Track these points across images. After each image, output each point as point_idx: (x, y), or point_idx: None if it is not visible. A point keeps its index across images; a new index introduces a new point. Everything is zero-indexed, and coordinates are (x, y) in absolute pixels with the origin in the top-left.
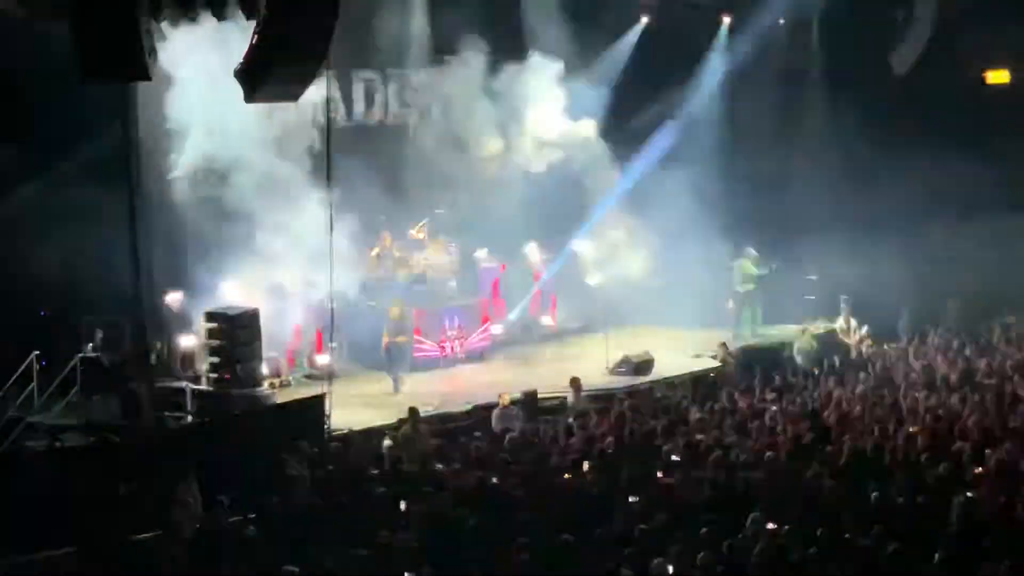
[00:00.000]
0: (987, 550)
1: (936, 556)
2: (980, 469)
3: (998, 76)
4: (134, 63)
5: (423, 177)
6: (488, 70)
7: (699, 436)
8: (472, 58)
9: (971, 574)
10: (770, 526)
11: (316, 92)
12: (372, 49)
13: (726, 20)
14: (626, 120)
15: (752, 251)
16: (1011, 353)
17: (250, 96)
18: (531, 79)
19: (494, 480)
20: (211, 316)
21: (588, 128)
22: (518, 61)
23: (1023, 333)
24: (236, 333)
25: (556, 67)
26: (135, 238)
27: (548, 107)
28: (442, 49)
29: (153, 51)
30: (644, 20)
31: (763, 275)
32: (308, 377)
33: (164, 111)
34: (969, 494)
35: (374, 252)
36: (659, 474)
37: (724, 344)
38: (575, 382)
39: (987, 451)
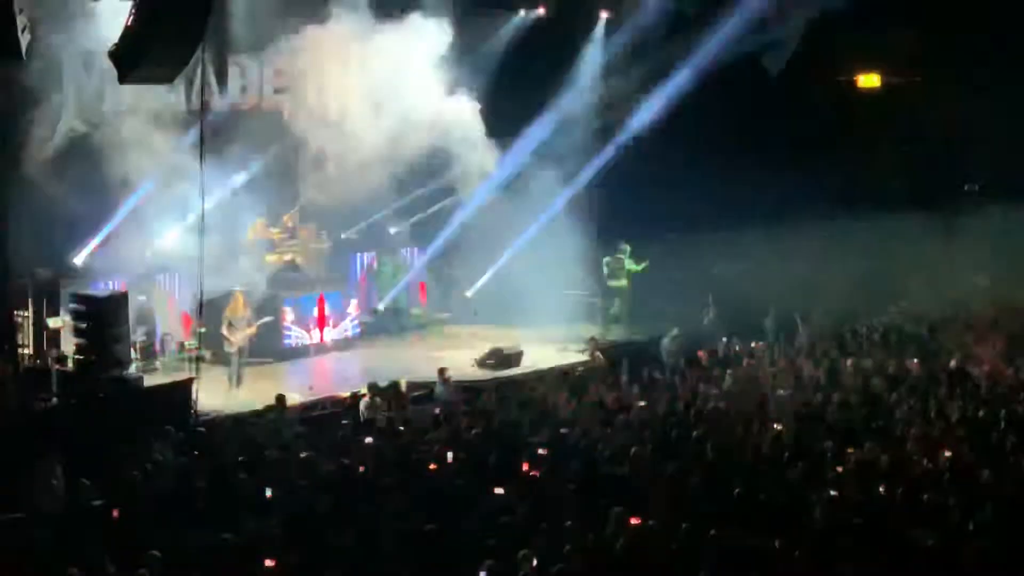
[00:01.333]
0: (848, 548)
1: (796, 553)
2: (840, 468)
3: (869, 80)
4: (6, 41)
5: (296, 162)
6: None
7: (565, 429)
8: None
9: (830, 571)
10: (633, 520)
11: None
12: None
13: (603, 16)
14: (504, 108)
15: (626, 246)
16: (874, 354)
17: (124, 77)
18: (410, 44)
19: (360, 468)
20: (78, 298)
21: (466, 109)
22: (398, 20)
23: (886, 333)
24: (103, 315)
25: (439, 31)
26: (2, 217)
27: (424, 81)
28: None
29: (26, 29)
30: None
31: (635, 271)
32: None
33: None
34: (833, 492)
35: (246, 238)
36: (524, 466)
37: (594, 339)
38: (443, 372)
39: (848, 450)
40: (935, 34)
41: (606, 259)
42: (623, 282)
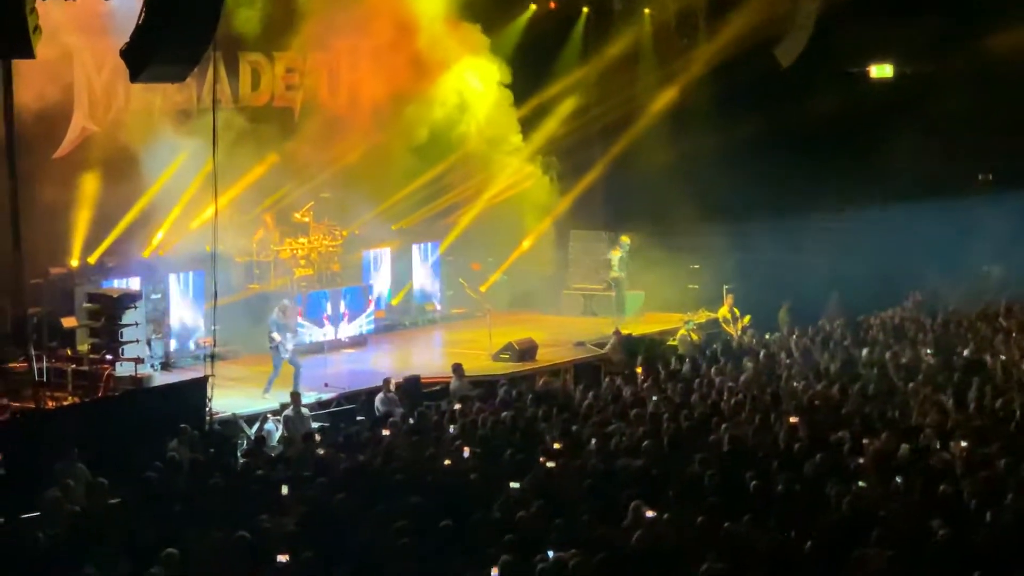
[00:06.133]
0: (869, 539)
1: (808, 544)
2: (861, 460)
3: (881, 70)
4: (18, 40)
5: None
6: None
7: (581, 423)
8: None
9: (844, 562)
10: (649, 514)
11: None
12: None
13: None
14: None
15: (625, 240)
16: (890, 344)
17: (135, 76)
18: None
19: (375, 464)
20: (92, 296)
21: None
22: None
23: (901, 324)
24: (117, 314)
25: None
26: (16, 216)
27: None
28: None
29: (37, 28)
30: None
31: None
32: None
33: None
34: (862, 483)
35: (257, 235)
36: (540, 460)
37: (617, 331)
38: (458, 368)
39: (864, 441)
40: (948, 23)
41: (609, 252)
42: (624, 273)
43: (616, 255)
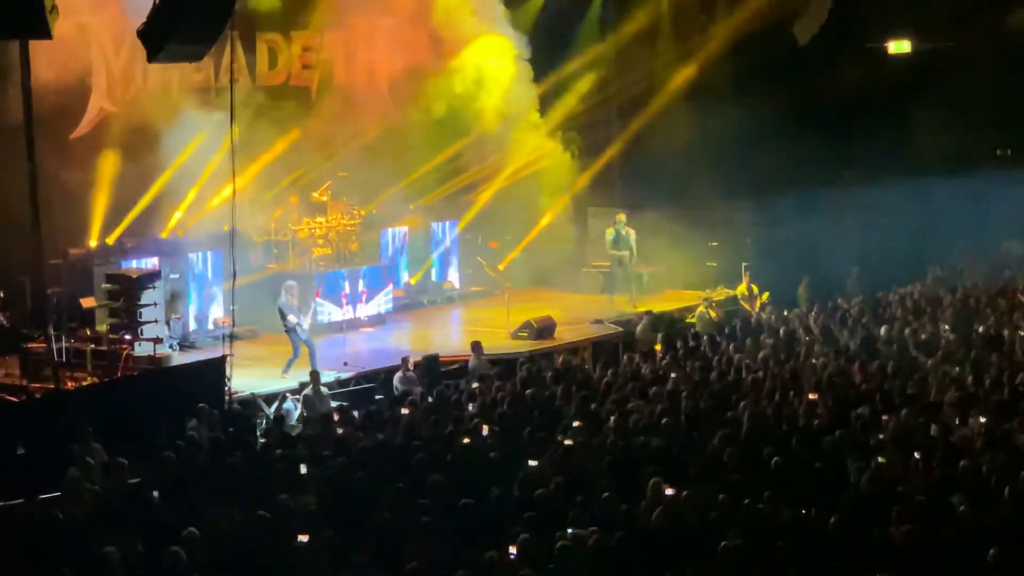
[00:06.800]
0: (889, 515)
1: (832, 520)
2: (881, 436)
3: (900, 46)
4: (35, 20)
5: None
6: None
7: (599, 401)
8: None
9: (866, 538)
10: (669, 491)
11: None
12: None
13: None
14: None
15: (621, 218)
16: (909, 320)
17: (153, 56)
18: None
19: (395, 443)
20: (111, 277)
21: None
22: None
23: (920, 300)
24: (136, 294)
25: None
26: (34, 197)
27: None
28: None
29: (54, 9)
30: None
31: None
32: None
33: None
34: (881, 459)
35: (277, 214)
36: (559, 438)
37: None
38: (477, 346)
39: (884, 418)
40: None
41: (609, 229)
42: (625, 251)
43: (609, 234)
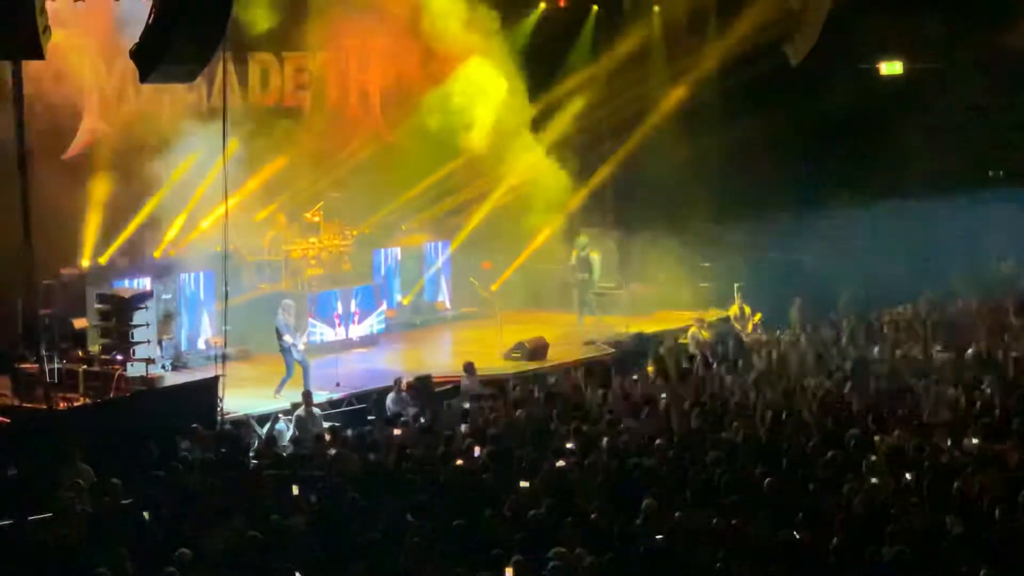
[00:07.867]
0: (885, 535)
1: (821, 542)
2: (873, 457)
3: (892, 67)
4: (28, 41)
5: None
6: None
7: (592, 422)
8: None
9: (859, 559)
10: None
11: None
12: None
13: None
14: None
15: (583, 239)
16: (901, 341)
17: (145, 76)
18: None
19: (387, 464)
20: (103, 297)
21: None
22: None
23: (912, 321)
24: (128, 314)
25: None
26: (27, 217)
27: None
28: None
29: (47, 29)
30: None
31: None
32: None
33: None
34: (874, 480)
35: (269, 235)
36: (552, 459)
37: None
38: (469, 366)
39: (877, 438)
40: (956, 19)
41: (578, 251)
42: (587, 275)
43: (574, 255)
